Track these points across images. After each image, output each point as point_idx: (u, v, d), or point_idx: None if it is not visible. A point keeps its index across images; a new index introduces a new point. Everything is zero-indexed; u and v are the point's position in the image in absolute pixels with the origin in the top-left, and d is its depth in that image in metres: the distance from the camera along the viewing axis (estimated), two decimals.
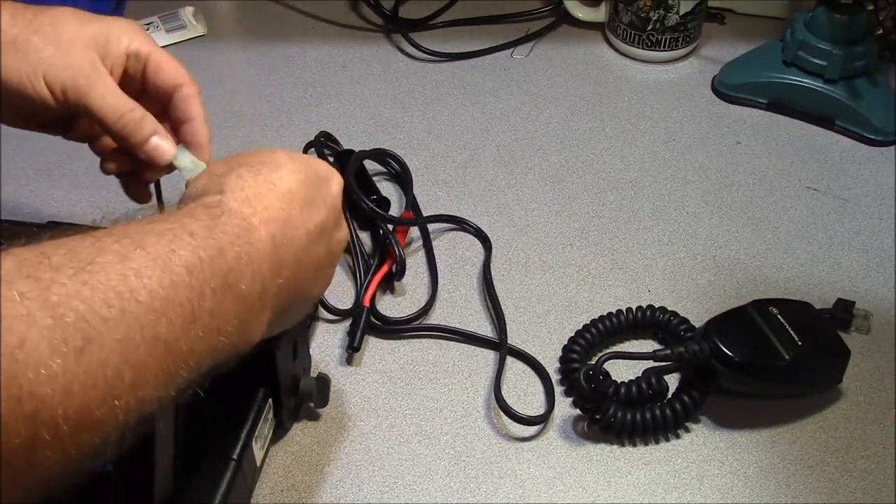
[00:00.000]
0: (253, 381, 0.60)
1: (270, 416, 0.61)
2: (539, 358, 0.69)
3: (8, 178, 0.82)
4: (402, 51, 0.98)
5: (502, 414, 0.65)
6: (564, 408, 0.66)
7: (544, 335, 0.71)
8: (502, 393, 0.66)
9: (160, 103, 0.58)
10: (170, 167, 0.57)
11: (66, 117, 0.58)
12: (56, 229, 0.43)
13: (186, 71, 0.58)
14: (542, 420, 0.65)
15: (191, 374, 0.42)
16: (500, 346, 0.69)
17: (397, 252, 0.73)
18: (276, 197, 0.49)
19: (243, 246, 0.46)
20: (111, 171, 0.59)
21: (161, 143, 0.55)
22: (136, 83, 0.57)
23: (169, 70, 0.57)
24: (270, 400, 0.60)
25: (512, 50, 0.98)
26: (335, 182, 0.55)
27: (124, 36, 0.56)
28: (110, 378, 0.37)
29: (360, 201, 0.75)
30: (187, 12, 0.99)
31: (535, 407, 0.66)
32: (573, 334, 0.69)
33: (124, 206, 0.80)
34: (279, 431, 0.63)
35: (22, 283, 0.36)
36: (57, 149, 0.85)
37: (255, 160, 0.52)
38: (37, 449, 0.35)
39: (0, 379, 0.34)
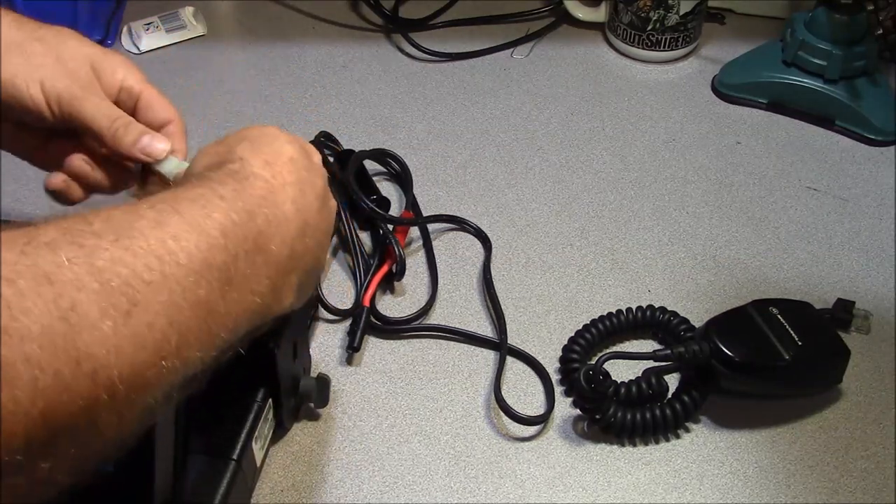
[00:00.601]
0: (253, 382, 0.60)
1: (270, 416, 0.61)
2: (539, 358, 0.69)
3: (8, 178, 0.82)
4: (402, 51, 0.98)
5: (502, 414, 0.65)
6: (564, 408, 0.66)
7: (544, 335, 0.71)
8: (502, 393, 0.66)
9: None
10: (146, 178, 0.59)
11: (46, 137, 0.60)
12: None
13: (174, 108, 0.59)
14: (542, 420, 0.65)
15: (230, 336, 0.44)
16: (500, 346, 0.69)
17: (397, 252, 0.73)
18: (285, 162, 0.51)
19: (270, 208, 0.48)
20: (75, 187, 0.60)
21: (154, 140, 0.56)
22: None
23: (159, 108, 0.59)
24: (270, 400, 0.60)
25: (512, 50, 0.98)
26: (317, 154, 0.56)
27: (119, 69, 0.58)
28: (158, 340, 0.39)
29: (360, 201, 0.75)
30: (187, 12, 0.99)
31: (535, 407, 0.66)
32: (573, 334, 0.69)
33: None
34: (279, 432, 0.63)
35: (68, 248, 0.37)
36: None
37: (251, 134, 0.53)
38: (97, 411, 0.36)
39: (58, 341, 0.34)
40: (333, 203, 0.56)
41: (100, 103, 0.56)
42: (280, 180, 0.49)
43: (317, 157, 0.55)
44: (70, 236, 0.38)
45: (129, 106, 0.58)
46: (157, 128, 0.58)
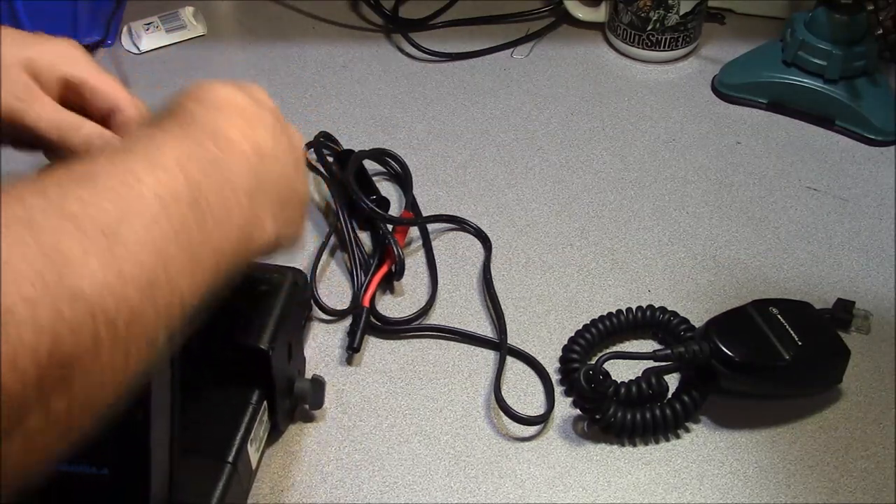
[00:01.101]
0: (248, 383, 0.60)
1: (265, 418, 0.61)
2: (539, 358, 0.69)
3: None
4: (402, 51, 0.98)
5: (502, 414, 0.65)
6: (564, 408, 0.66)
7: (544, 335, 0.71)
8: (502, 393, 0.66)
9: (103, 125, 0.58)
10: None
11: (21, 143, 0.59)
12: None
13: (125, 93, 0.58)
14: (542, 420, 0.65)
15: (217, 265, 0.44)
16: (500, 346, 0.69)
17: (396, 252, 0.73)
18: (224, 101, 0.50)
19: (220, 140, 0.47)
20: None
21: (102, 132, 0.56)
22: (77, 107, 0.57)
23: (103, 95, 0.57)
24: (265, 402, 0.60)
25: (512, 50, 0.98)
26: (260, 90, 0.55)
27: (58, 61, 0.56)
28: (145, 274, 0.39)
29: (359, 201, 0.75)
30: (187, 12, 0.99)
31: (535, 407, 0.66)
32: (573, 334, 0.69)
33: None
34: (274, 433, 0.63)
35: (34, 198, 0.38)
36: None
37: (186, 90, 0.51)
38: (101, 348, 0.36)
39: (50, 280, 0.35)
40: (293, 132, 0.55)
41: (40, 112, 0.55)
42: (221, 115, 0.49)
43: (261, 93, 0.54)
44: (34, 189, 0.38)
45: (75, 96, 0.57)
46: (105, 117, 0.57)
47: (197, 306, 0.43)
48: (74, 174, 0.40)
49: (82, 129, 0.56)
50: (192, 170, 0.44)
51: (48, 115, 0.55)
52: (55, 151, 0.57)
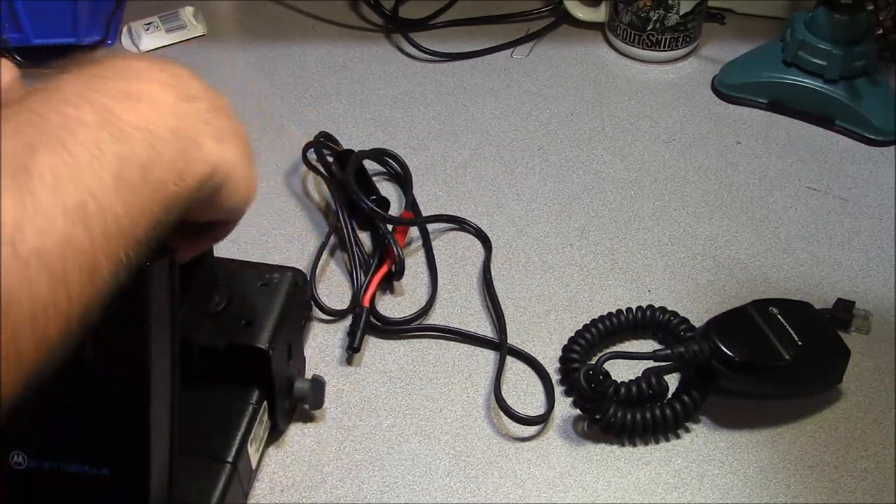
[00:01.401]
0: (248, 384, 0.60)
1: (265, 418, 0.61)
2: (539, 358, 0.69)
3: None
4: (402, 51, 0.98)
5: (502, 414, 0.65)
6: (564, 408, 0.66)
7: (544, 335, 0.71)
8: (502, 393, 0.66)
9: None
10: None
11: None
12: None
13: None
14: (542, 420, 0.65)
15: (154, 191, 0.42)
16: (500, 346, 0.69)
17: (396, 252, 0.73)
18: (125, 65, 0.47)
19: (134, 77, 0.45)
20: None
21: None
22: None
23: None
24: (265, 402, 0.60)
25: (512, 50, 0.98)
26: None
27: None
28: (69, 199, 0.37)
29: (359, 201, 0.75)
30: (187, 12, 0.99)
31: (535, 407, 0.66)
32: (573, 334, 0.69)
33: None
34: (274, 433, 0.63)
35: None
36: None
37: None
38: (33, 284, 0.36)
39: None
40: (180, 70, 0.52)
41: None
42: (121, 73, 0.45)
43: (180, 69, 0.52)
44: None
45: None
46: None
47: (144, 235, 0.41)
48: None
49: None
50: (102, 99, 0.41)
51: None
52: None
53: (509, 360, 0.69)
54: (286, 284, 0.67)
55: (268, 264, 0.71)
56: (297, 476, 0.62)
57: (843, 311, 0.70)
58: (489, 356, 0.69)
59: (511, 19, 1.01)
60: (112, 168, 0.40)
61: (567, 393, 0.67)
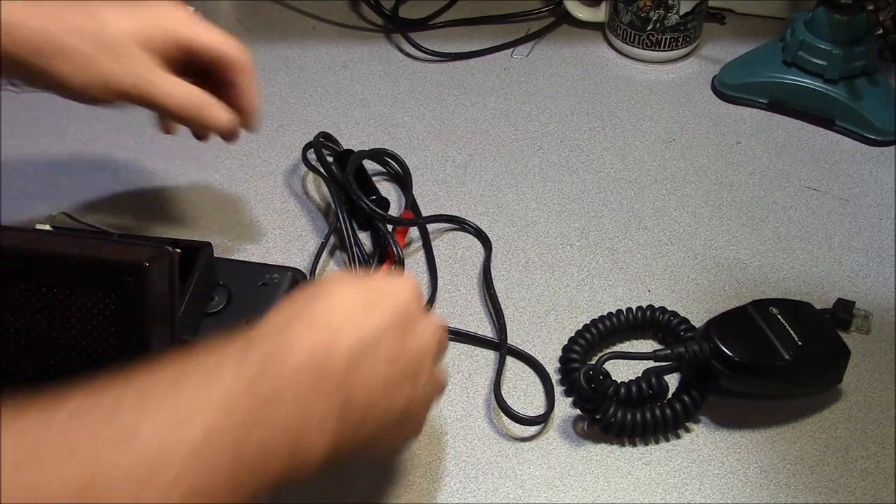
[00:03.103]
0: None
1: None
2: (539, 358, 0.69)
3: (8, 178, 0.82)
4: (402, 51, 0.98)
5: (502, 414, 0.65)
6: (564, 408, 0.66)
7: (544, 335, 0.71)
8: (502, 393, 0.66)
9: (212, 74, 0.63)
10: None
11: None
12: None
13: (230, 44, 0.63)
14: (542, 420, 0.65)
15: (255, 488, 0.44)
16: (500, 346, 0.69)
17: (396, 252, 0.73)
18: (314, 319, 0.47)
19: (277, 364, 0.45)
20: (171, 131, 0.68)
21: (219, 113, 0.63)
22: (188, 63, 0.62)
23: (210, 52, 0.62)
24: None
25: (512, 50, 0.98)
26: (397, 293, 0.51)
27: (166, 27, 0.60)
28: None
29: (359, 201, 0.75)
30: None
31: (535, 407, 0.66)
32: (573, 334, 0.69)
33: (125, 206, 0.80)
34: None
35: (92, 412, 0.40)
36: (57, 149, 0.86)
37: (302, 299, 0.49)
38: None
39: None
40: (421, 329, 0.51)
41: (170, 90, 0.60)
42: (293, 341, 0.46)
43: (387, 301, 0.50)
44: (83, 420, 0.40)
45: (184, 55, 0.62)
46: (212, 67, 0.62)
47: None
48: (129, 392, 0.42)
49: (207, 109, 0.62)
50: (241, 406, 0.43)
51: (177, 93, 0.60)
52: (173, 119, 0.63)
53: (509, 360, 0.69)
54: (286, 284, 0.68)
55: (268, 264, 0.71)
56: None
57: (843, 311, 0.70)
58: (489, 356, 0.69)
59: (511, 19, 1.01)
60: (227, 479, 0.42)
61: (567, 393, 0.67)
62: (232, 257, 0.73)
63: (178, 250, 0.60)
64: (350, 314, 0.48)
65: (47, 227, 0.68)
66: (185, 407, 0.42)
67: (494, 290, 0.73)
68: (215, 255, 0.67)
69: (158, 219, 0.79)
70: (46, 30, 0.57)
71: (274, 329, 0.47)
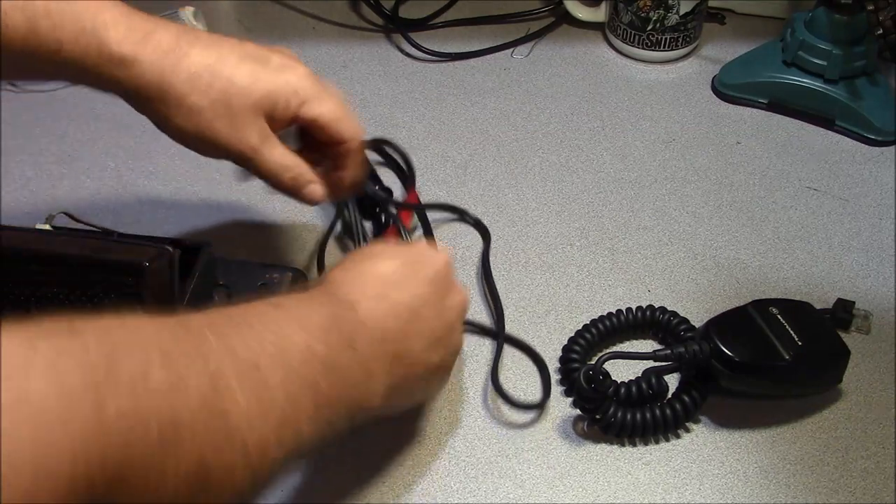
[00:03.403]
0: None
1: None
2: (536, 349, 0.69)
3: (8, 178, 0.82)
4: (402, 51, 0.98)
5: (502, 408, 0.65)
6: (564, 408, 0.66)
7: (544, 335, 0.71)
8: (500, 381, 0.66)
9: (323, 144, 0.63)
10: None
11: None
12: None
13: (348, 124, 0.62)
14: (539, 406, 0.65)
15: (331, 418, 0.49)
16: (498, 334, 0.69)
17: (403, 235, 0.73)
18: (370, 279, 0.55)
19: (352, 318, 0.52)
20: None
21: (315, 190, 0.63)
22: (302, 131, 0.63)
23: (330, 131, 0.61)
24: None
25: (512, 50, 0.98)
26: (435, 263, 0.58)
27: (292, 99, 0.59)
28: (278, 412, 0.45)
29: (364, 188, 0.75)
30: (187, 12, 0.99)
31: (532, 396, 0.66)
32: (573, 334, 0.69)
33: (125, 206, 0.80)
34: None
35: (211, 335, 0.45)
36: (57, 149, 0.86)
37: (349, 262, 0.57)
38: (234, 469, 0.43)
39: (213, 408, 0.42)
40: (452, 302, 0.58)
41: (269, 157, 0.60)
42: (361, 295, 0.53)
43: (430, 267, 0.57)
44: (212, 326, 0.45)
45: (305, 126, 0.62)
46: (329, 145, 0.62)
47: (310, 447, 0.48)
48: (234, 319, 0.47)
49: (306, 187, 0.62)
50: (330, 335, 0.50)
51: (281, 167, 0.61)
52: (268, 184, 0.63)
53: (508, 357, 0.69)
54: (286, 284, 0.68)
55: (268, 264, 0.71)
56: (298, 476, 0.62)
57: (843, 311, 0.70)
58: (489, 356, 0.69)
59: (511, 19, 1.01)
60: (313, 399, 0.48)
61: (567, 393, 0.67)
62: (232, 257, 0.73)
63: (178, 250, 0.60)
64: (400, 277, 0.55)
65: (47, 227, 0.67)
66: (292, 326, 0.48)
67: (493, 280, 0.73)
68: (215, 255, 0.67)
69: (158, 219, 0.79)
70: (166, 78, 0.56)
71: (341, 283, 0.54)
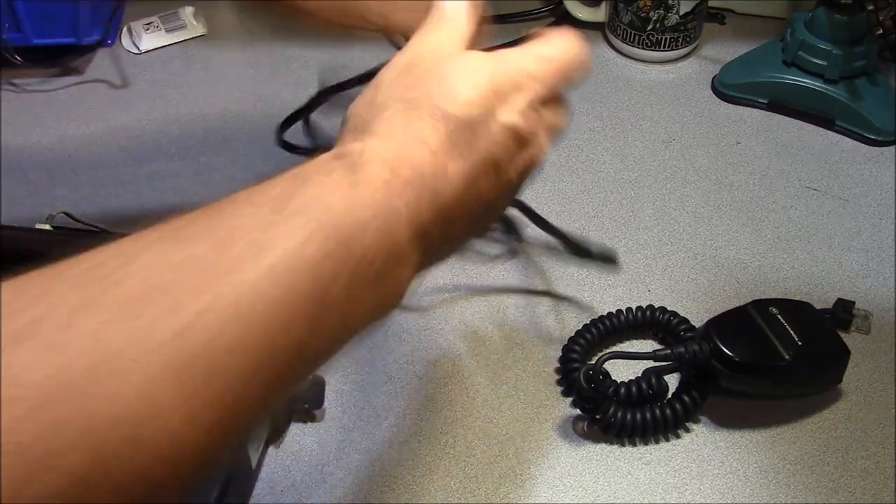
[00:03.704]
0: None
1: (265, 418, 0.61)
2: (538, 358, 0.69)
3: (8, 178, 0.82)
4: None
5: (502, 408, 0.65)
6: (564, 408, 0.66)
7: (544, 335, 0.71)
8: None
9: None
10: None
11: None
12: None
13: None
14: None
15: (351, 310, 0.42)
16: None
17: None
18: (424, 154, 0.45)
19: (381, 224, 0.42)
20: None
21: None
22: None
23: None
24: None
25: None
26: (521, 94, 0.49)
27: None
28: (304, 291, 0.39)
29: None
30: (187, 12, 0.99)
31: (533, 397, 0.66)
32: (573, 334, 0.69)
33: (125, 206, 0.80)
34: (274, 433, 0.63)
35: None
36: (57, 149, 0.86)
37: (420, 90, 0.47)
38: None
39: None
40: (521, 160, 0.51)
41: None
42: (404, 180, 0.44)
43: (513, 103, 0.49)
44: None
45: None
46: None
47: (335, 346, 0.41)
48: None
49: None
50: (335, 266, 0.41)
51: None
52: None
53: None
54: None
55: None
56: (297, 476, 0.62)
57: (843, 311, 0.70)
58: (489, 355, 0.69)
59: (511, 19, 1.01)
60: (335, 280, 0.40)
61: (567, 393, 0.67)
62: None
63: None
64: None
65: (47, 227, 0.67)
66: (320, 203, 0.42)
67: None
68: None
69: (159, 219, 0.79)
70: None
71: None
